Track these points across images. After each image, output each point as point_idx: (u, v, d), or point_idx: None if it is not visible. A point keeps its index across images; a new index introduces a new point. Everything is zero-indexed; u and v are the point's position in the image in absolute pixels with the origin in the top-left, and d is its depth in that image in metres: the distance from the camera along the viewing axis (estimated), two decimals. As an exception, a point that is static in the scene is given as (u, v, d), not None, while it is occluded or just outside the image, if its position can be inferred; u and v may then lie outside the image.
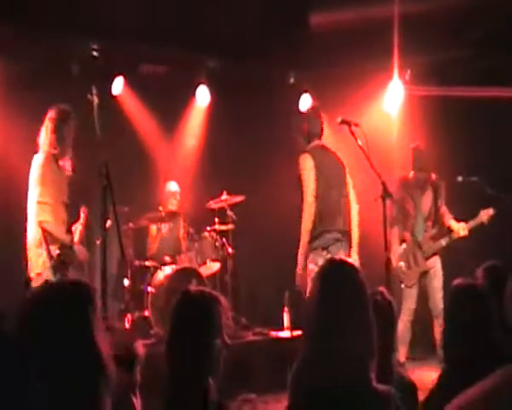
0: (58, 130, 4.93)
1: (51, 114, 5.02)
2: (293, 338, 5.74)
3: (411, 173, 5.99)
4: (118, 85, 6.72)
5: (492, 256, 3.47)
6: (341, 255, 4.87)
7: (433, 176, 5.98)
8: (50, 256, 4.72)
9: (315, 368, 2.11)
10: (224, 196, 6.63)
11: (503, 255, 3.52)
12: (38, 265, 4.75)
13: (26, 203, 4.93)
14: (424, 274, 5.85)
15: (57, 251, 4.71)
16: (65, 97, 6.41)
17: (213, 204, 6.70)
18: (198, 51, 6.94)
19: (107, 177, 4.45)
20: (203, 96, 7.28)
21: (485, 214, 5.75)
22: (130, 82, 6.81)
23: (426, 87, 7.40)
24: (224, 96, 7.24)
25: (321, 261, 4.62)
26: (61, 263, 4.74)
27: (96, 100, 4.75)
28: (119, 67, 6.73)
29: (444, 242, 5.84)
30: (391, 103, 7.43)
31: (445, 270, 5.82)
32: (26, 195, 4.93)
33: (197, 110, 7.49)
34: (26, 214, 5.00)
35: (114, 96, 6.76)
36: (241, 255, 6.84)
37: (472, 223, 5.79)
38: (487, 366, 2.32)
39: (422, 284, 5.86)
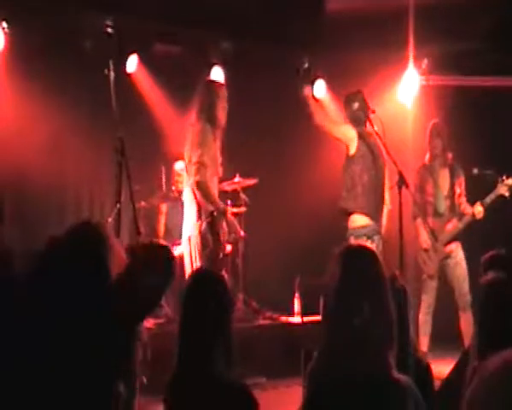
0: (211, 101, 5.10)
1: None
2: (303, 324, 5.70)
3: (427, 156, 5.90)
4: (132, 63, 6.65)
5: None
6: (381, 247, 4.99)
7: (450, 156, 5.87)
8: (201, 218, 4.72)
9: (334, 357, 2.08)
10: (237, 179, 6.56)
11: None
12: (189, 227, 4.75)
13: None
14: (444, 261, 5.68)
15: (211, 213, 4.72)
16: (77, 73, 6.41)
17: (226, 186, 6.62)
18: (212, 32, 6.87)
19: (123, 153, 4.41)
20: (217, 77, 7.19)
21: (506, 185, 5.48)
22: (144, 60, 6.74)
23: (441, 77, 7.34)
24: (238, 77, 7.16)
25: None
26: (211, 227, 4.72)
27: (112, 75, 4.70)
28: (134, 45, 6.65)
29: (461, 224, 5.66)
30: (405, 93, 7.35)
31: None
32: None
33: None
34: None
35: (129, 74, 6.68)
36: (253, 239, 6.78)
37: (489, 199, 5.54)
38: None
39: (445, 274, 5.68)
